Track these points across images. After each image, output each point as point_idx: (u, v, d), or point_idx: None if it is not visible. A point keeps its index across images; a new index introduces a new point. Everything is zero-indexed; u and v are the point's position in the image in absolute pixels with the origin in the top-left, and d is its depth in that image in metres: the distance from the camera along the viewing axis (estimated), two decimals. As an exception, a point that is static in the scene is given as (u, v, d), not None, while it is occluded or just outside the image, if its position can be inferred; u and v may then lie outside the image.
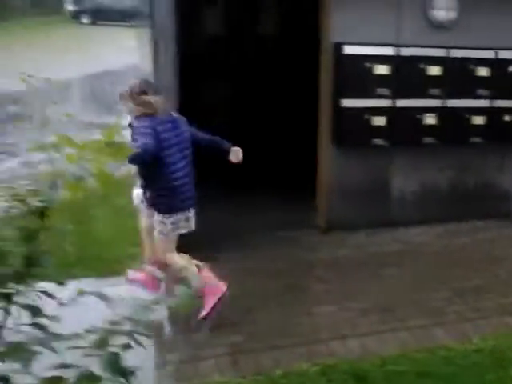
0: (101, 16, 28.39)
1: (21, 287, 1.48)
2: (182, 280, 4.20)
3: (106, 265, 5.12)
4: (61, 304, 1.62)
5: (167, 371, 3.73)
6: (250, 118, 8.23)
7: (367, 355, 3.97)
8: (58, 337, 1.46)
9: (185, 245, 5.08)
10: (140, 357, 1.83)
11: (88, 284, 4.53)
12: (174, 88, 5.19)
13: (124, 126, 4.79)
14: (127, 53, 16.96)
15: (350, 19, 5.68)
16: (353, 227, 5.96)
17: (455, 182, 6.38)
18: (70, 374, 1.56)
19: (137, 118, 4.31)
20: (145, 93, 4.32)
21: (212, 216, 6.25)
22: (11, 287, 1.47)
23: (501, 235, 6.20)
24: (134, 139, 4.23)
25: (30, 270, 1.50)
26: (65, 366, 1.53)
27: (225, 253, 5.35)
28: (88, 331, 1.48)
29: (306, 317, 4.46)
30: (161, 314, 1.87)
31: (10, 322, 1.52)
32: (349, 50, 5.72)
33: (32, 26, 25.58)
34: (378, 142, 5.91)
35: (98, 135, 1.99)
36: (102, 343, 1.53)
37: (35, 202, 1.56)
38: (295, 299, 4.73)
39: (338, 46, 5.72)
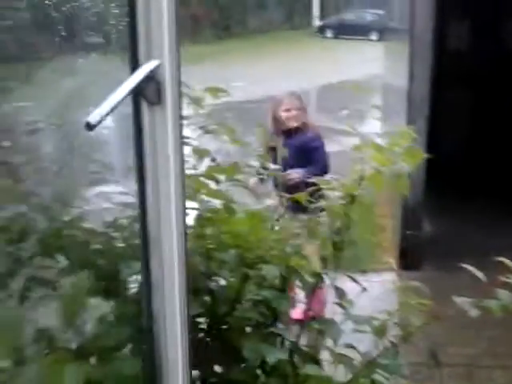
0: (343, 30, 29.82)
1: (330, 270, 1.83)
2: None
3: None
4: (364, 290, 1.92)
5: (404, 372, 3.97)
6: (493, 130, 8.04)
7: None
8: (355, 318, 1.79)
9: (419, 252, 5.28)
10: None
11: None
12: (427, 101, 5.36)
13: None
14: (368, 64, 17.45)
15: None
16: None
17: None
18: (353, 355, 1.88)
19: (299, 131, 4.14)
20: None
21: (453, 226, 6.31)
22: (320, 269, 1.84)
23: None
24: (314, 160, 4.12)
25: (340, 255, 1.81)
26: (351, 346, 1.86)
27: (454, 264, 5.37)
28: (373, 318, 1.79)
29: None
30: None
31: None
32: None
33: (282, 38, 27.66)
34: None
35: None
36: (380, 332, 1.84)
37: (356, 195, 1.79)
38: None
39: None
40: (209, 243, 1.64)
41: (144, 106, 1.01)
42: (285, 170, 3.82)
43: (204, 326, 1.65)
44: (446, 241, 5.90)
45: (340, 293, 1.83)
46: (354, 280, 1.88)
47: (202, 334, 1.65)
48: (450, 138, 7.86)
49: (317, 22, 32.24)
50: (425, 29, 5.24)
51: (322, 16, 32.32)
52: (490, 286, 1.99)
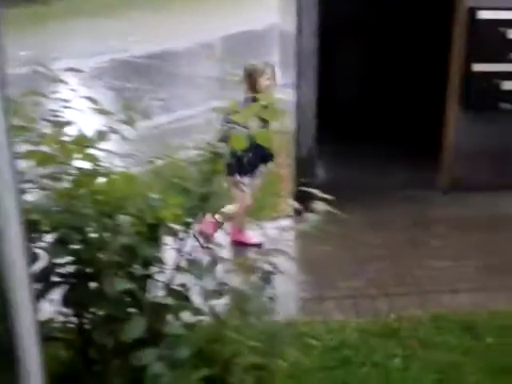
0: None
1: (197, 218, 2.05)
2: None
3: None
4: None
5: (294, 306, 4.33)
6: (382, 76, 8.45)
7: (477, 309, 4.23)
8: (222, 260, 2.04)
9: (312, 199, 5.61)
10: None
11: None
12: (316, 53, 5.55)
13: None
14: (268, 13, 17.48)
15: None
16: (475, 189, 6.07)
17: None
18: (223, 289, 2.14)
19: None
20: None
21: (338, 169, 6.73)
22: (190, 218, 2.04)
23: None
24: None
25: (205, 204, 2.05)
26: (223, 283, 2.10)
27: (348, 206, 5.80)
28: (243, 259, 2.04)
29: (422, 269, 4.81)
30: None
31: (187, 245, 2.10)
32: (483, 14, 5.82)
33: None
34: (507, 106, 5.98)
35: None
36: (249, 270, 2.09)
37: (214, 152, 2.06)
38: (414, 253, 5.10)
39: (473, 11, 5.84)
40: (79, 202, 1.82)
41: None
42: None
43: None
44: (339, 185, 6.26)
45: (206, 238, 2.06)
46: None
47: (74, 280, 1.85)
48: (343, 87, 8.21)
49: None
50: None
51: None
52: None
